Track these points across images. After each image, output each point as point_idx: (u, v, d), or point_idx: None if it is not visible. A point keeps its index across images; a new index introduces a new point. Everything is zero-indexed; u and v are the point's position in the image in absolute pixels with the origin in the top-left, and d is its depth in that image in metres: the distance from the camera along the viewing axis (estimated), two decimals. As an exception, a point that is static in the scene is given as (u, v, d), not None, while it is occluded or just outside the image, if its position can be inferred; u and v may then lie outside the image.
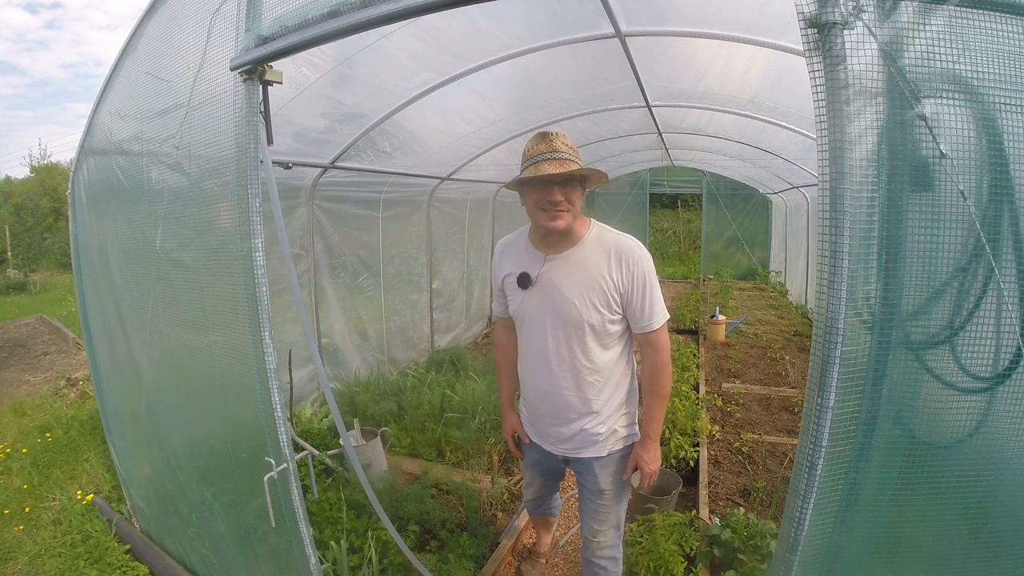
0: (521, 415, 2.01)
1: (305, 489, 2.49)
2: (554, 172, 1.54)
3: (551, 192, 1.59)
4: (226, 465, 1.97)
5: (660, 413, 1.79)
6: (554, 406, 1.79)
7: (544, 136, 1.64)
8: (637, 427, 1.87)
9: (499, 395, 2.12)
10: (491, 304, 7.03)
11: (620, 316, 1.70)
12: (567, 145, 1.62)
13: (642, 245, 1.70)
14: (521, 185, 1.68)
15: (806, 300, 7.72)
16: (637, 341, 1.77)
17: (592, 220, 1.76)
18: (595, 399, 1.74)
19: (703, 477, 3.23)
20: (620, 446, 1.83)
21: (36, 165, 19.93)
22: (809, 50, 0.86)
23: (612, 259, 1.66)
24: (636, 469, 1.84)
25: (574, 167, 1.58)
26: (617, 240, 1.70)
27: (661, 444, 2.55)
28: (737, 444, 3.69)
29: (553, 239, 1.70)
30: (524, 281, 1.74)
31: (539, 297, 1.73)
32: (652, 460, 1.80)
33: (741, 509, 2.62)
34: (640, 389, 1.84)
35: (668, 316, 1.74)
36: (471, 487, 3.01)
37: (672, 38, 2.57)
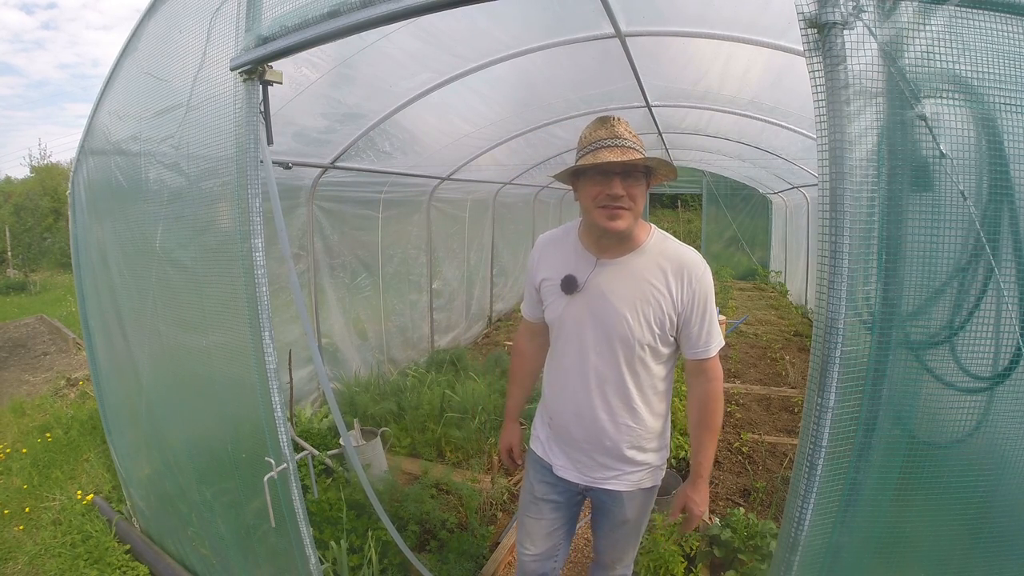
0: (537, 432, 1.75)
1: (305, 489, 2.49)
2: (615, 160, 1.33)
3: (611, 184, 1.37)
4: (226, 465, 1.97)
5: (712, 449, 1.57)
6: (588, 430, 1.56)
7: (604, 121, 1.42)
8: (665, 458, 1.68)
9: (507, 403, 1.86)
10: (491, 304, 7.03)
11: (674, 337, 1.50)
12: (631, 132, 1.41)
13: (704, 261, 1.51)
14: (575, 177, 1.47)
15: (806, 300, 7.72)
16: (687, 368, 1.57)
17: (652, 225, 1.55)
18: (636, 426, 1.54)
19: (703, 477, 3.22)
20: (649, 483, 1.63)
21: (36, 165, 19.91)
22: (809, 50, 0.86)
23: (672, 272, 1.45)
24: (683, 511, 1.60)
25: (638, 156, 1.36)
26: (680, 252, 1.49)
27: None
28: (737, 444, 3.69)
29: (609, 241, 1.48)
30: (569, 285, 1.51)
31: (585, 306, 1.51)
32: (703, 501, 1.57)
33: (741, 509, 2.62)
34: (689, 421, 1.62)
35: (723, 343, 1.54)
36: (471, 487, 3.01)
37: (672, 38, 2.57)
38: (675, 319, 1.47)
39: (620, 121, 1.42)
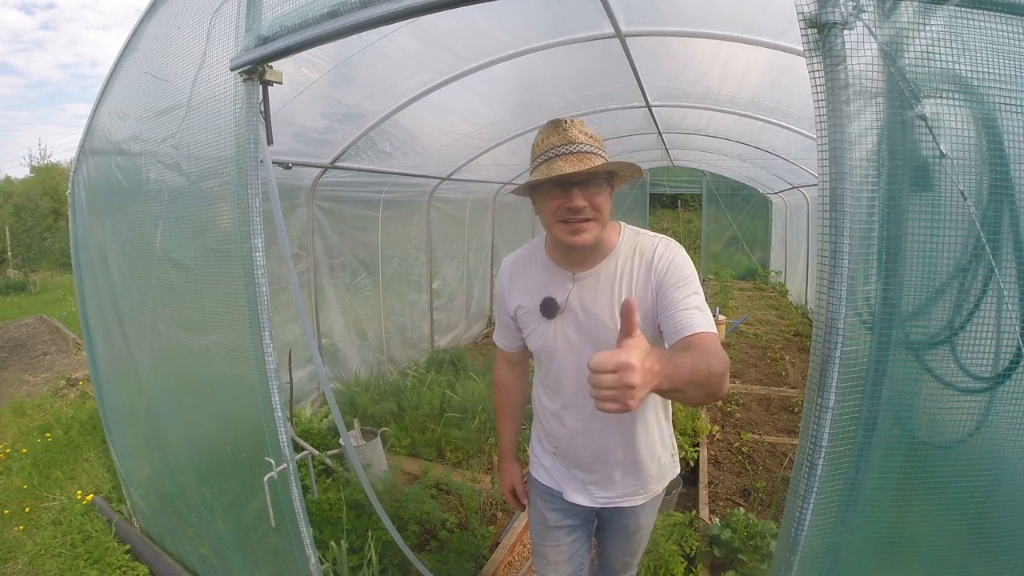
0: (539, 459, 1.64)
1: (305, 489, 2.48)
2: (572, 170, 1.21)
3: (570, 196, 1.24)
4: (226, 465, 1.97)
5: (690, 372, 1.11)
6: (599, 452, 1.47)
7: (556, 125, 1.29)
8: (677, 458, 1.63)
9: (500, 442, 1.74)
10: (491, 304, 7.03)
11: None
12: (587, 134, 1.29)
13: (680, 246, 1.39)
14: (533, 191, 1.35)
15: (806, 300, 7.72)
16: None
17: (622, 224, 1.44)
18: (646, 436, 1.46)
19: (703, 477, 3.23)
20: (663, 487, 1.59)
21: (36, 165, 19.95)
22: (809, 50, 0.85)
23: (646, 261, 1.36)
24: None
25: (597, 162, 1.24)
26: (652, 243, 1.38)
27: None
28: (737, 444, 3.69)
29: (580, 254, 1.38)
30: (549, 309, 1.39)
31: (571, 326, 1.39)
32: (646, 361, 1.11)
33: (741, 509, 2.62)
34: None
35: (716, 331, 1.39)
36: (471, 487, 3.01)
37: (672, 38, 2.57)
38: (657, 306, 1.32)
39: (574, 123, 1.29)
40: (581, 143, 1.26)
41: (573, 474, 1.54)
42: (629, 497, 1.52)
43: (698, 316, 1.24)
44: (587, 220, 1.27)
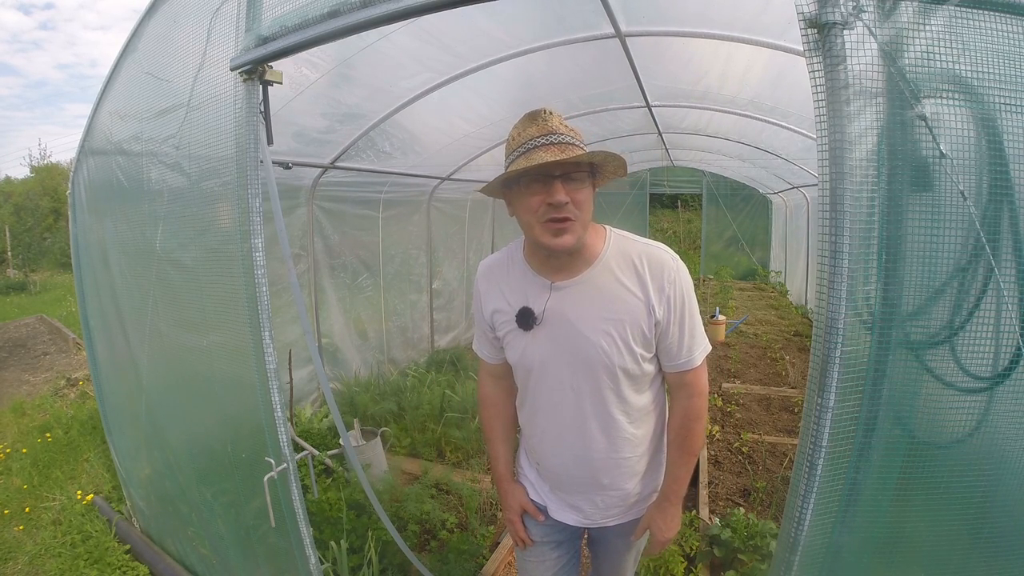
0: (524, 472, 1.55)
1: (305, 489, 2.49)
2: (553, 159, 1.10)
3: (552, 190, 1.13)
4: (226, 465, 1.97)
5: (687, 472, 1.38)
6: (582, 472, 1.38)
7: (534, 117, 1.18)
8: None
9: (494, 466, 1.58)
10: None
11: (655, 352, 1.32)
12: (567, 126, 1.19)
13: (676, 256, 1.29)
14: (508, 188, 1.24)
15: (806, 300, 7.72)
16: (668, 381, 1.38)
17: (607, 228, 1.33)
18: (633, 456, 1.36)
19: (703, 477, 3.23)
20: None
21: (36, 165, 20.02)
22: (809, 50, 0.85)
23: (641, 277, 1.25)
24: (645, 531, 1.45)
25: (579, 152, 1.15)
26: (647, 251, 1.27)
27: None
28: (737, 444, 3.69)
29: (560, 259, 1.26)
30: (526, 319, 1.29)
31: (549, 339, 1.29)
32: (669, 527, 1.39)
33: (741, 509, 2.62)
34: (667, 439, 1.43)
35: (710, 348, 1.34)
36: (471, 487, 3.01)
37: (672, 38, 2.57)
38: (655, 330, 1.27)
39: (552, 114, 1.19)
40: (562, 134, 1.16)
41: (557, 494, 1.47)
42: (616, 518, 1.45)
43: (698, 351, 1.32)
44: (568, 220, 1.16)
